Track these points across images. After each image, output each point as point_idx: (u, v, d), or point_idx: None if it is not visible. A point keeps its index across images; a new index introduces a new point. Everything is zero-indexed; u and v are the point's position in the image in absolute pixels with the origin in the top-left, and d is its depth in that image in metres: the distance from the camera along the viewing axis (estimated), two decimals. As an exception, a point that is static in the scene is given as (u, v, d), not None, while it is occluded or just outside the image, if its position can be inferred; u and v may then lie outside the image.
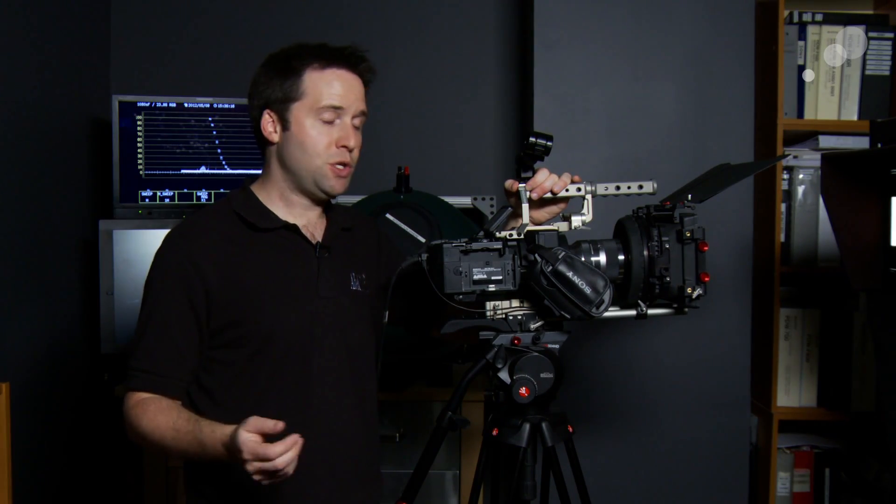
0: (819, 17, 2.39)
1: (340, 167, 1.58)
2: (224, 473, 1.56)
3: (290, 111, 1.58)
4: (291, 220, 1.62)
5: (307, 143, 1.57)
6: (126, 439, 1.57)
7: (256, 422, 1.33)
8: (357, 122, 1.61)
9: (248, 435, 1.32)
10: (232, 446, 1.34)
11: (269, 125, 1.60)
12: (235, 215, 1.60)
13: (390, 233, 2.08)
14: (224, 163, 2.57)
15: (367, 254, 1.73)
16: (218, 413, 1.50)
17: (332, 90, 1.57)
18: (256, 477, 1.34)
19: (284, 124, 1.59)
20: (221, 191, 2.56)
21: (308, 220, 1.64)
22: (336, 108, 1.57)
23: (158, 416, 1.49)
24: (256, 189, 1.65)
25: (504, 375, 1.45)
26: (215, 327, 1.55)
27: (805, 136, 2.46)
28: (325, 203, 1.67)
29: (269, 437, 1.33)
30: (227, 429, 1.38)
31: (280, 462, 1.31)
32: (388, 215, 2.25)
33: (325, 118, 1.57)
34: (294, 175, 1.60)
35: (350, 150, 1.58)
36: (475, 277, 1.44)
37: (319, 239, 1.63)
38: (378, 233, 1.82)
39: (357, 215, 1.81)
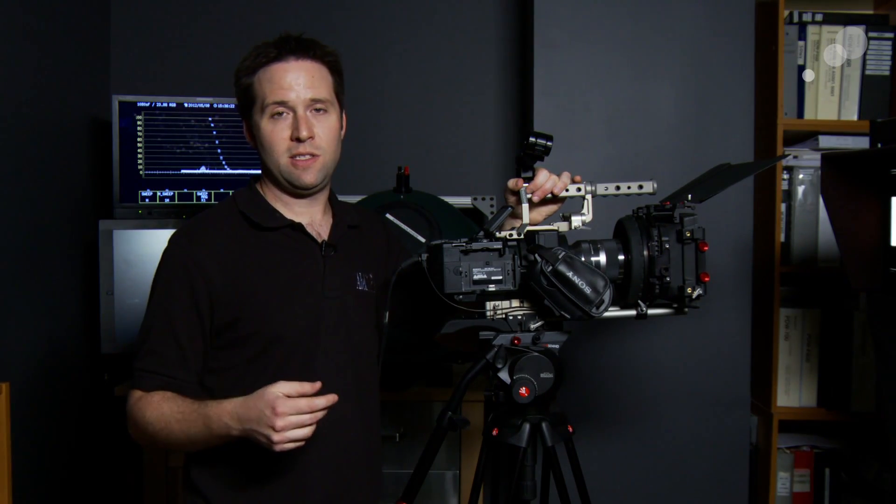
0: (819, 17, 2.39)
1: (301, 158, 1.57)
2: (223, 473, 1.56)
3: (252, 117, 1.60)
4: (296, 219, 1.61)
5: (265, 143, 1.58)
6: (127, 439, 1.57)
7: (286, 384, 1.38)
8: (318, 106, 1.58)
9: (280, 387, 1.36)
10: (245, 412, 1.38)
11: (247, 133, 1.64)
12: (240, 215, 1.61)
13: (391, 233, 2.07)
14: (224, 163, 2.57)
15: (376, 252, 1.72)
16: None
17: (274, 86, 1.56)
18: (280, 441, 1.36)
19: (251, 130, 1.62)
20: (221, 191, 2.56)
21: (312, 218, 1.64)
22: (280, 103, 1.56)
23: (163, 404, 1.49)
24: (262, 187, 1.65)
25: (504, 375, 1.45)
26: (219, 328, 1.55)
27: (805, 136, 2.46)
28: (325, 199, 1.67)
29: None
30: (238, 399, 1.40)
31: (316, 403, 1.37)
32: (388, 215, 2.25)
33: (274, 115, 1.56)
34: (271, 175, 1.61)
35: (303, 141, 1.55)
36: (475, 277, 1.44)
37: (325, 237, 1.63)
38: (387, 231, 1.81)
39: (365, 213, 1.80)
